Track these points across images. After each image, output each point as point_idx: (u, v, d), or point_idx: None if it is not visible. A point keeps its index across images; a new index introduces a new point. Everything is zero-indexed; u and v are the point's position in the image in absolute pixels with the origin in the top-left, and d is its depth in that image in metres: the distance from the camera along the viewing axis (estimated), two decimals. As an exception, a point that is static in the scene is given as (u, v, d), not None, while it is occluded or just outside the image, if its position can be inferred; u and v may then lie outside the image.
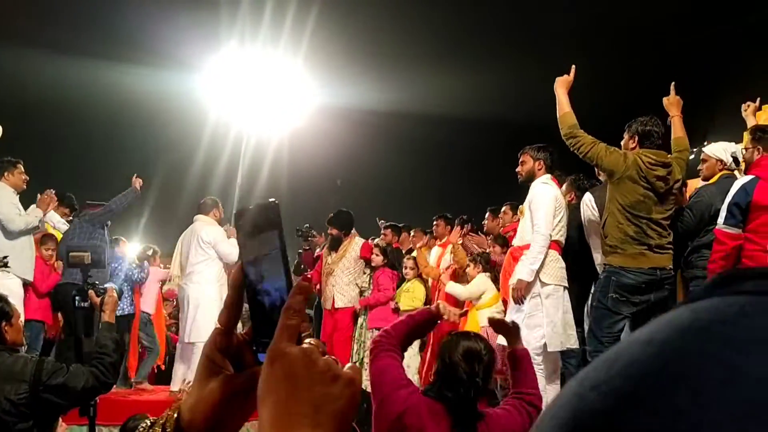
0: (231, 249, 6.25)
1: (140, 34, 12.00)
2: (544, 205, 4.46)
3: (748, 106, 4.72)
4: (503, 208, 6.61)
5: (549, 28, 12.97)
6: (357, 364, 5.16)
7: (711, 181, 4.48)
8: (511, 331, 2.51)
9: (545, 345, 4.33)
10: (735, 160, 4.35)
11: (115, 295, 3.10)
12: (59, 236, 6.47)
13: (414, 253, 6.90)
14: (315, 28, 12.66)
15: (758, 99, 4.82)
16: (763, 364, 0.25)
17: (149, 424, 0.69)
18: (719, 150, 4.50)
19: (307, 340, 0.59)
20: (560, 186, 4.91)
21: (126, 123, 12.70)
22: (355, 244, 6.79)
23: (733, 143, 4.63)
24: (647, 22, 12.81)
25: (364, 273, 6.77)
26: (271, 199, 0.64)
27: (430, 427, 2.19)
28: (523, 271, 4.45)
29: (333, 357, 0.60)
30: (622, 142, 4.45)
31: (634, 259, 4.00)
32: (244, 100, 12.75)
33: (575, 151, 4.19)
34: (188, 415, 0.66)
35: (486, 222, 6.98)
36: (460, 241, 6.76)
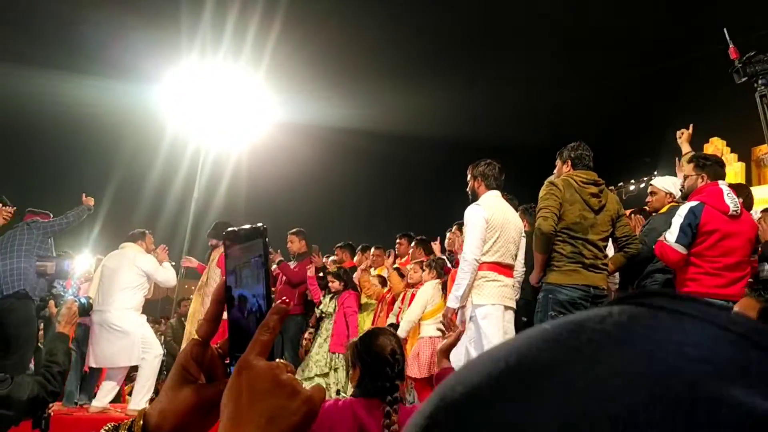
0: (167, 275, 6.44)
1: (98, 45, 11.81)
2: (470, 229, 4.47)
3: (683, 133, 4.89)
4: (453, 228, 6.57)
5: (512, 50, 13.32)
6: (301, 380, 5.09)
7: (661, 211, 4.64)
8: (443, 353, 2.67)
9: None
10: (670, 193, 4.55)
11: (75, 307, 3.05)
12: None
13: (375, 271, 6.91)
14: (277, 44, 12.71)
15: (691, 126, 4.95)
16: (609, 353, 0.27)
17: (113, 426, 0.70)
18: (669, 183, 4.71)
19: (277, 360, 0.63)
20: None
21: (81, 134, 12.41)
22: (218, 254, 6.78)
23: (676, 178, 4.80)
24: (603, 51, 13.31)
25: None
26: (260, 223, 0.69)
27: (369, 422, 2.30)
28: (449, 297, 4.53)
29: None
30: (555, 170, 4.56)
31: (568, 276, 4.07)
32: (203, 114, 12.62)
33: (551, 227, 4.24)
34: (157, 419, 0.68)
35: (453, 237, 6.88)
36: (395, 266, 6.78)
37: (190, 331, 6.78)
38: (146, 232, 6.60)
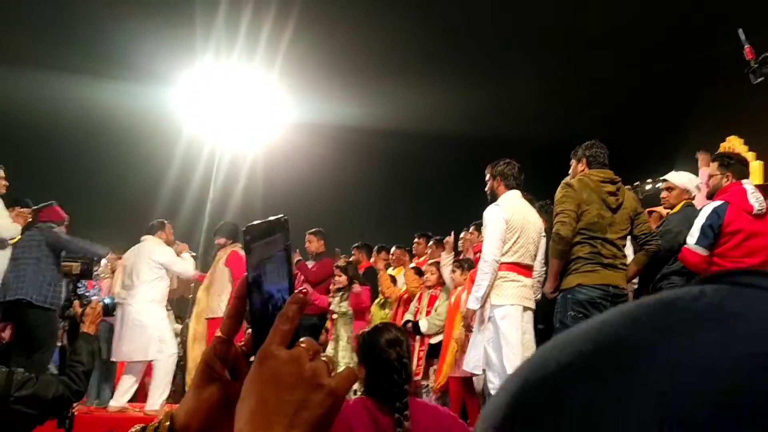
0: (185, 266, 6.52)
1: (112, 47, 11.92)
2: (489, 229, 4.46)
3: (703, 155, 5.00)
4: (470, 228, 6.57)
5: (526, 47, 13.27)
6: None
7: (675, 209, 4.59)
8: None
9: (505, 366, 4.20)
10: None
11: (99, 307, 3.09)
12: None
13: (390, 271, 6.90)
14: (290, 45, 12.75)
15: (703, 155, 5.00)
16: (712, 331, 0.27)
17: (140, 428, 0.70)
18: (686, 179, 4.65)
19: (301, 340, 0.62)
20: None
21: (100, 136, 12.51)
22: (225, 253, 6.82)
23: (693, 175, 4.78)
24: (619, 48, 13.22)
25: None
26: (281, 215, 0.67)
27: (381, 417, 2.27)
28: (470, 299, 4.54)
29: (325, 359, 0.62)
30: (570, 171, 4.54)
31: (586, 276, 4.05)
32: (219, 115, 12.69)
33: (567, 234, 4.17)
34: (184, 419, 0.68)
35: (471, 237, 6.82)
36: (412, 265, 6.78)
37: (196, 329, 6.79)
38: (165, 222, 6.61)
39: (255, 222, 0.69)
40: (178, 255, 6.57)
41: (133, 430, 0.70)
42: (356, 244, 7.88)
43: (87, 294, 3.51)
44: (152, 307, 6.17)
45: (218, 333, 0.71)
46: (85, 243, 6.20)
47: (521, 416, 0.29)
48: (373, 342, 2.39)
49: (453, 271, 5.84)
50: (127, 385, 6.21)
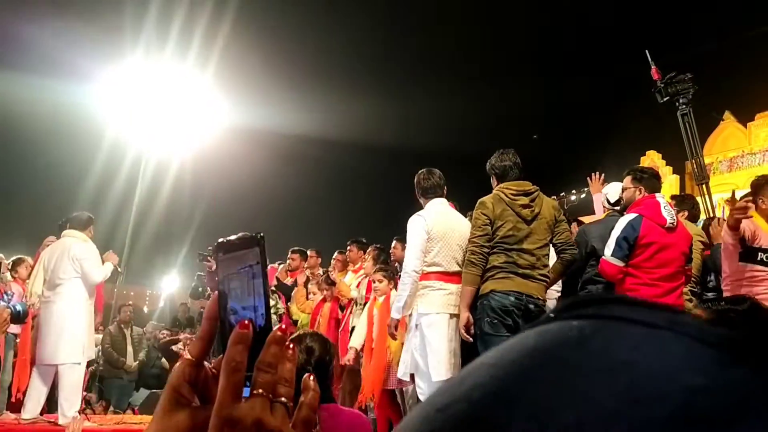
0: (97, 270, 5.96)
1: (30, 37, 11.31)
2: (410, 240, 4.50)
3: (594, 178, 5.16)
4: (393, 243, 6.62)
5: (455, 61, 13.53)
6: None
7: (599, 218, 4.77)
8: None
9: (430, 374, 4.26)
10: (607, 200, 4.70)
11: (6, 314, 2.91)
12: None
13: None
14: (226, 46, 12.51)
15: (601, 174, 5.20)
16: (603, 387, 0.25)
17: None
18: (609, 189, 4.85)
19: (255, 393, 0.57)
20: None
21: (12, 134, 11.83)
22: None
23: (617, 186, 4.96)
24: (545, 63, 13.71)
25: None
26: (258, 232, 0.64)
27: None
28: (392, 309, 4.58)
29: (284, 401, 0.58)
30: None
31: (500, 283, 4.13)
32: (147, 115, 12.22)
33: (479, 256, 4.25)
34: None
35: (394, 251, 6.87)
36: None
37: None
38: (92, 218, 6.22)
39: (226, 238, 0.64)
40: (104, 261, 6.18)
41: None
42: (293, 249, 7.88)
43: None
44: (77, 306, 5.77)
45: (187, 355, 0.65)
46: None
47: None
48: None
49: (380, 281, 5.81)
50: (38, 394, 5.86)
